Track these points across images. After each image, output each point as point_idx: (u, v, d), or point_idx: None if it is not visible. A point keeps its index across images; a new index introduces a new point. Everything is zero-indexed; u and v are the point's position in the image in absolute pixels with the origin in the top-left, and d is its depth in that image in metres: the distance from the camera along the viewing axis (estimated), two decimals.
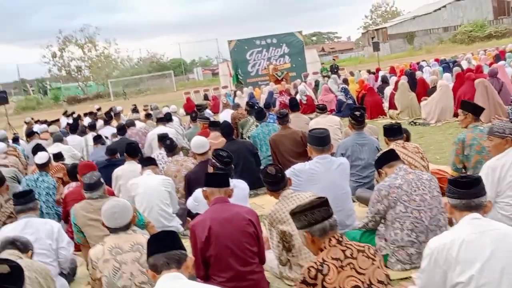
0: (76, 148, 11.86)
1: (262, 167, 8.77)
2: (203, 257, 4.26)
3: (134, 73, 64.82)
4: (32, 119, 22.00)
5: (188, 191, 6.94)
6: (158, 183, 6.64)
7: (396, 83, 14.24)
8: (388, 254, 4.60)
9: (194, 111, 12.74)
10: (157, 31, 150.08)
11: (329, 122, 9.58)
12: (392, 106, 13.78)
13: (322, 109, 9.86)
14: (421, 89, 13.84)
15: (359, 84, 16.78)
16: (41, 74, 70.37)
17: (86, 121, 17.95)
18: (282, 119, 8.68)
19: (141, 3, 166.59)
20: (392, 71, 22.70)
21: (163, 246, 3.09)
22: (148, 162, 6.94)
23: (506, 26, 57.94)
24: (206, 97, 24.16)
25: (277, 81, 27.39)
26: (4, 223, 6.25)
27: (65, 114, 23.11)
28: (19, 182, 9.73)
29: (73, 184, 7.47)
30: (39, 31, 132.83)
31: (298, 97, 17.24)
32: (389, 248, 4.61)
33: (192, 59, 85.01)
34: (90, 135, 12.23)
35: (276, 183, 4.61)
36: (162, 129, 11.30)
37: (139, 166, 7.97)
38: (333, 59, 32.66)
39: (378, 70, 23.24)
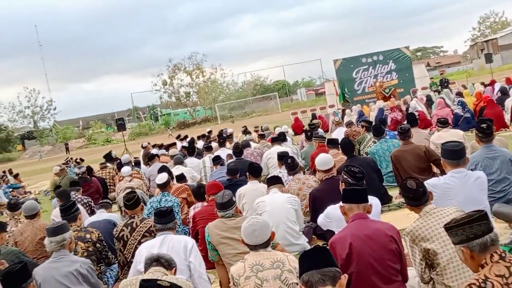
0: (195, 169, 12.18)
1: (384, 183, 8.66)
2: None
3: (240, 97, 66.11)
4: (149, 143, 22.85)
5: (313, 208, 6.91)
6: (285, 201, 6.65)
7: None
8: None
9: (309, 130, 12.70)
10: (260, 55, 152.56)
11: (452, 136, 9.19)
12: None
13: (444, 123, 9.52)
14: None
15: (476, 96, 16.11)
16: (152, 101, 73.56)
17: (200, 144, 18.43)
18: (404, 134, 8.46)
19: (245, 29, 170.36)
20: (509, 82, 21.68)
21: (317, 262, 3.03)
22: (274, 180, 6.96)
23: None
24: (314, 117, 24.11)
25: (385, 98, 26.88)
26: (140, 242, 6.47)
27: (179, 137, 23.81)
28: (144, 203, 10.12)
29: (199, 205, 7.64)
30: (149, 61, 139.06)
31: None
32: None
33: (295, 80, 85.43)
34: (208, 157, 12.50)
35: (417, 198, 4.44)
36: (278, 148, 11.36)
37: (262, 185, 8.07)
38: (441, 73, 31.63)
39: (493, 82, 22.19)
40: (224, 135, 17.27)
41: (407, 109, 18.89)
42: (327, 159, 6.95)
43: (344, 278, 3.05)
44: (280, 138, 12.07)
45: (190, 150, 13.84)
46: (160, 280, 3.16)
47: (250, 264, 4.12)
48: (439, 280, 4.34)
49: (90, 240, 6.46)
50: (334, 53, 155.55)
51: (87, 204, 9.95)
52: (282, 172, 8.79)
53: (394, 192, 8.51)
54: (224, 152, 13.33)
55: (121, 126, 30.16)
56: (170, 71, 61.22)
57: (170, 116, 66.19)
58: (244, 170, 9.83)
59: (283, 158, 8.89)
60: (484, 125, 6.67)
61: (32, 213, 7.52)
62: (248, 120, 46.90)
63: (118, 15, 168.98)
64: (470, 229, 3.09)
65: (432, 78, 31.80)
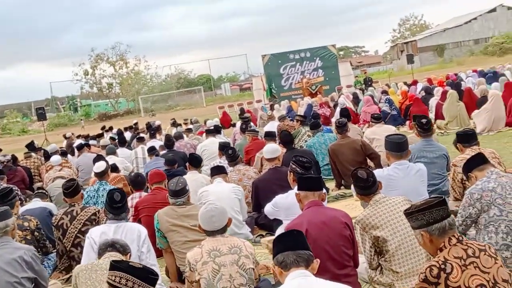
0: (126, 160, 12.02)
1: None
2: None
3: (163, 90, 65.28)
4: (73, 134, 22.31)
5: (256, 198, 7.00)
6: (230, 190, 6.69)
7: (443, 93, 14.14)
8: None
9: (243, 123, 12.79)
10: (185, 48, 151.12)
11: (385, 131, 9.50)
12: (438, 116, 13.69)
13: (378, 119, 9.84)
14: (468, 99, 13.76)
15: (402, 95, 16.70)
16: (72, 91, 71.41)
17: (127, 135, 18.16)
18: (341, 128, 8.68)
19: (170, 20, 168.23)
20: (430, 82, 22.61)
21: (293, 245, 3.13)
22: (218, 170, 6.98)
23: None
24: (242, 111, 24.23)
25: (311, 95, 27.44)
26: (80, 230, 6.34)
27: (104, 129, 23.37)
28: None
29: (136, 194, 7.56)
30: (70, 49, 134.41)
31: (338, 109, 17.22)
32: None
33: (219, 75, 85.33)
34: (140, 148, 12.37)
35: (367, 187, 4.59)
36: (213, 140, 11.40)
37: (201, 175, 8.10)
38: (364, 73, 32.56)
39: (415, 82, 23.09)
40: (154, 127, 17.07)
41: (334, 106, 19.36)
42: (275, 148, 7.08)
43: (316, 263, 3.15)
44: (215, 130, 12.09)
45: (121, 141, 13.62)
46: (132, 262, 3.14)
47: (208, 250, 4.14)
48: (387, 266, 4.52)
49: (28, 228, 6.29)
50: (260, 49, 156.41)
51: None
52: (222, 163, 8.83)
53: (331, 185, 8.73)
54: (156, 144, 13.25)
55: (41, 115, 29.32)
56: (93, 60, 59.67)
57: (90, 107, 64.61)
58: (179, 162, 9.84)
59: (224, 148, 8.94)
60: (424, 120, 6.96)
61: None
62: (172, 114, 46.37)
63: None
64: (430, 214, 3.25)
65: (357, 76, 32.59)
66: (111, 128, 23.47)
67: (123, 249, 4.30)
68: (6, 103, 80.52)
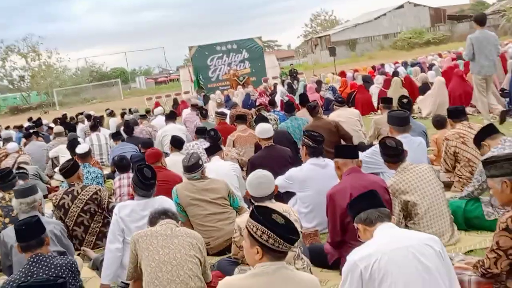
0: None
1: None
2: (342, 223, 4.52)
3: (75, 83, 63.51)
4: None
5: None
6: (228, 168, 6.81)
7: (387, 81, 14.82)
8: (497, 219, 4.96)
9: (202, 110, 12.86)
10: (94, 41, 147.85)
11: (350, 115, 9.98)
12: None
13: (341, 102, 10.21)
14: (408, 86, 14.47)
15: (342, 83, 17.31)
16: None
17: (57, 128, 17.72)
18: (313, 110, 9.00)
19: (79, 12, 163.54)
20: (355, 72, 23.44)
21: (374, 203, 3.40)
22: (214, 149, 7.08)
23: (443, 33, 60.53)
24: (175, 102, 24.21)
25: (238, 86, 27.66)
26: (82, 209, 6.30)
27: (30, 120, 22.61)
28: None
29: (124, 175, 7.53)
30: None
31: (278, 97, 17.59)
32: (496, 213, 4.97)
33: (132, 68, 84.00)
34: (95, 135, 12.17)
35: (397, 155, 4.90)
36: (173, 126, 11.47)
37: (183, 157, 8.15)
38: (290, 65, 33.24)
39: (344, 73, 23.85)
40: (97, 117, 16.74)
41: (270, 95, 19.72)
42: (267, 128, 7.26)
43: (393, 219, 3.40)
44: (173, 117, 12.11)
45: (72, 129, 13.34)
46: (276, 212, 3.16)
47: None
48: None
49: None
50: (171, 42, 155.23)
51: None
52: (198, 144, 8.93)
53: None
54: (106, 132, 13.15)
55: None
56: (2, 52, 57.10)
57: None
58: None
59: (203, 132, 9.02)
60: (405, 100, 7.37)
61: None
62: (88, 107, 45.23)
63: None
64: None
65: (282, 68, 33.22)
66: (39, 119, 22.65)
67: (175, 217, 4.37)
68: None
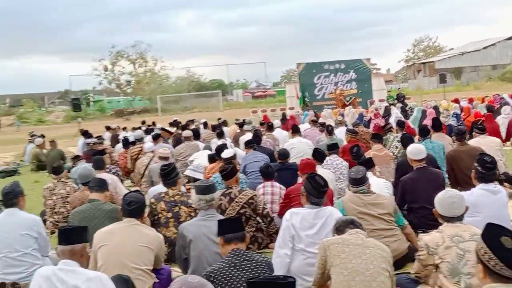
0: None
1: None
2: None
3: (176, 91, 65.44)
4: (118, 126, 22.32)
5: (402, 195, 7.04)
6: (382, 185, 6.77)
7: None
8: None
9: (328, 126, 12.85)
10: (195, 52, 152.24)
11: (490, 143, 9.62)
12: (511, 134, 13.91)
13: (482, 130, 9.89)
14: None
15: (465, 111, 16.88)
16: (85, 86, 71.58)
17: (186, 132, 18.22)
18: (461, 136, 8.79)
19: (183, 24, 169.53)
20: (470, 101, 22.74)
21: None
22: (368, 164, 7.05)
23: None
24: (284, 116, 24.40)
25: (344, 106, 27.53)
26: (238, 212, 6.42)
27: (144, 123, 23.41)
28: None
29: (268, 183, 7.66)
30: (83, 44, 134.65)
31: (392, 120, 17.33)
32: None
33: (230, 81, 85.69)
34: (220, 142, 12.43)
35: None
36: (299, 140, 11.65)
37: (326, 171, 8.20)
38: (398, 88, 32.79)
39: (457, 100, 23.20)
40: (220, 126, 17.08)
41: (383, 117, 19.49)
42: (421, 149, 7.16)
43: None
44: (299, 130, 12.21)
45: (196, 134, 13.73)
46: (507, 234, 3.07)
47: (449, 235, 4.22)
48: None
49: (192, 205, 6.34)
50: (270, 58, 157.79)
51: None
52: (331, 160, 8.96)
53: None
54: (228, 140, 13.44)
55: (76, 106, 29.19)
56: (112, 57, 59.88)
57: (104, 103, 64.94)
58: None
59: (333, 148, 9.12)
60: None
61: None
62: (189, 115, 46.51)
63: None
64: None
65: (390, 91, 32.84)
66: (154, 124, 23.44)
67: (362, 228, 4.38)
68: (17, 92, 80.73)
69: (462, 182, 8.53)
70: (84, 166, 8.84)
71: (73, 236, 3.81)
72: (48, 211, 8.28)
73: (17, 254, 5.62)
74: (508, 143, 13.90)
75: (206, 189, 5.16)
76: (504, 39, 62.26)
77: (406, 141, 8.65)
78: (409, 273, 4.80)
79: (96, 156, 9.31)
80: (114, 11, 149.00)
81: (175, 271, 5.47)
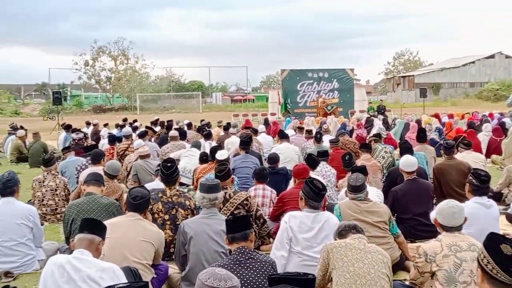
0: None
1: None
2: None
3: (155, 90, 65.10)
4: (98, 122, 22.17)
5: (392, 205, 7.15)
6: (374, 194, 6.87)
7: (497, 130, 14.57)
8: None
9: (317, 134, 12.94)
10: (178, 52, 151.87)
11: (475, 159, 9.81)
12: (490, 151, 14.15)
13: (468, 145, 10.08)
14: None
15: (447, 126, 17.13)
16: (64, 80, 70.94)
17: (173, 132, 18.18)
18: (450, 149, 8.94)
19: (167, 22, 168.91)
20: (451, 117, 23.08)
21: None
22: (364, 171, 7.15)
23: None
24: (266, 122, 24.50)
25: (325, 115, 27.65)
26: (232, 213, 6.46)
27: (126, 120, 23.30)
28: None
29: (260, 186, 7.72)
30: (63, 38, 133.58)
31: (374, 131, 17.51)
32: None
33: (210, 83, 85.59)
34: (208, 144, 12.45)
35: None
36: (287, 146, 11.77)
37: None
38: (380, 100, 33.08)
39: (438, 115, 23.52)
40: (207, 128, 17.08)
41: (365, 128, 19.69)
42: (413, 162, 7.29)
43: None
44: (286, 136, 12.30)
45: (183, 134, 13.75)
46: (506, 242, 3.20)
47: (448, 244, 4.35)
48: None
49: (189, 207, 6.38)
50: (251, 62, 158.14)
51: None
52: (320, 167, 9.04)
53: None
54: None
55: (56, 99, 28.72)
56: (94, 52, 59.40)
57: (81, 98, 64.39)
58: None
59: (324, 155, 9.22)
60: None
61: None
62: (168, 115, 46.31)
63: None
64: None
65: (371, 103, 33.11)
66: (135, 121, 23.33)
67: (363, 231, 4.48)
68: None
69: (447, 195, 8.66)
70: (112, 161, 8.89)
71: (97, 228, 3.87)
72: (36, 203, 8.23)
73: (12, 243, 5.64)
74: (488, 159, 14.12)
75: (210, 188, 5.22)
76: (483, 57, 63.29)
77: (404, 150, 8.77)
78: (401, 280, 4.90)
79: (94, 150, 9.35)
80: (98, 5, 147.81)
81: (172, 268, 5.50)
